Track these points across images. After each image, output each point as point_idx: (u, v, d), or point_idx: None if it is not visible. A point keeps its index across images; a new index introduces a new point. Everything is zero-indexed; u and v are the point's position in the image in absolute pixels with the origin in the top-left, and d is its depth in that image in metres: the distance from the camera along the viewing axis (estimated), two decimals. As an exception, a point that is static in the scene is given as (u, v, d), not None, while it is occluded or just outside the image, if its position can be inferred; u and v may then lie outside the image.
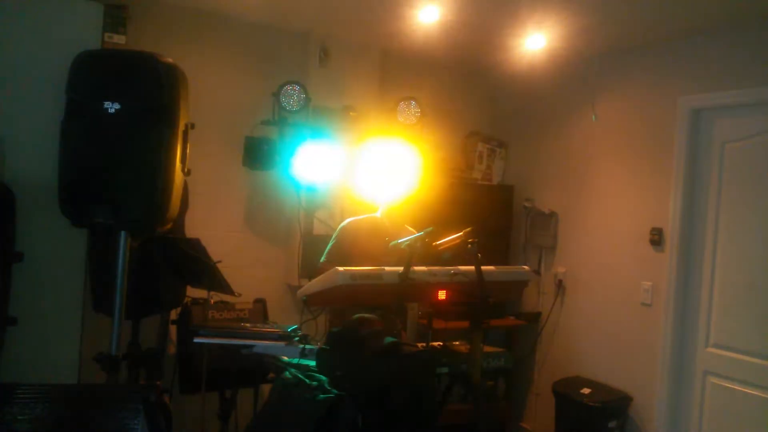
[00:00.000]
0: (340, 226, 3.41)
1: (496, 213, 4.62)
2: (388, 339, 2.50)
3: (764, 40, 3.26)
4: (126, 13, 3.24)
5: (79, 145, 2.51)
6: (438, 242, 2.75)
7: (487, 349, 4.04)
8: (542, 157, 4.61)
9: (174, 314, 3.40)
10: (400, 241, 2.72)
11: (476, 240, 2.57)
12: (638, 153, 3.90)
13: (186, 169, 2.76)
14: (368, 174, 3.52)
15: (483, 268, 2.55)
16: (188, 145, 2.73)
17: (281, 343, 2.65)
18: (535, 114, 4.72)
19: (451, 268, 2.61)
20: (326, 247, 3.33)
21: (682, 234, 3.62)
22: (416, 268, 2.52)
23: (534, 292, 4.54)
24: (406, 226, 3.38)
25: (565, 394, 3.91)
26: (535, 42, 3.76)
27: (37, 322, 2.78)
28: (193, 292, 3.35)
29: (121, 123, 2.48)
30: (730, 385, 3.40)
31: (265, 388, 3.32)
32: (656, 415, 3.69)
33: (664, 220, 3.70)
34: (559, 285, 4.39)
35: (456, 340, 3.35)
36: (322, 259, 3.29)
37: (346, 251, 3.21)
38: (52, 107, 2.61)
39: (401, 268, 2.45)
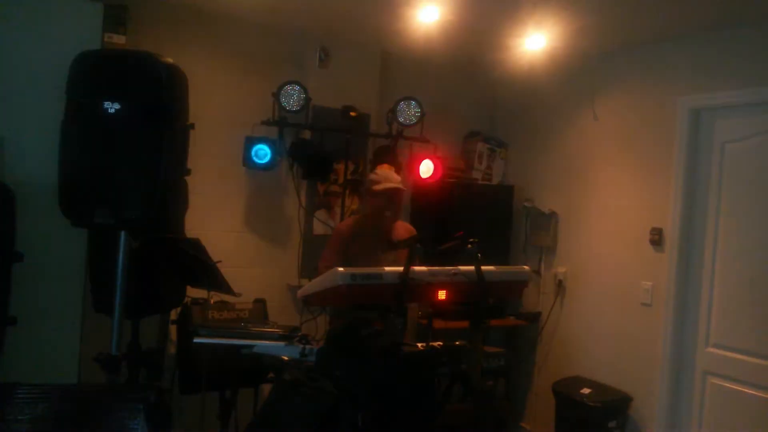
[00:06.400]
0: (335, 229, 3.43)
1: (496, 213, 4.62)
2: (388, 339, 2.50)
3: (764, 40, 3.26)
4: (126, 13, 3.25)
5: (79, 145, 2.52)
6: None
7: (487, 349, 4.04)
8: (542, 157, 4.61)
9: (174, 314, 3.40)
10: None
11: (476, 240, 2.57)
12: (638, 153, 3.89)
13: (186, 169, 2.76)
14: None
15: (483, 268, 2.54)
16: (188, 145, 2.73)
17: (281, 343, 2.65)
18: (535, 114, 4.72)
19: (451, 268, 2.61)
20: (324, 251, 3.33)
21: (682, 234, 3.61)
22: (416, 268, 2.52)
23: (534, 292, 4.54)
24: (402, 222, 3.39)
25: (565, 394, 3.90)
26: (535, 42, 3.76)
27: (37, 322, 2.79)
28: (193, 292, 3.34)
29: (121, 123, 2.48)
30: (730, 385, 3.40)
31: (265, 388, 3.33)
32: (656, 415, 3.69)
33: (664, 220, 3.69)
34: (559, 285, 4.39)
35: (456, 340, 3.35)
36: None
37: (342, 252, 3.21)
38: (52, 107, 2.61)
39: (401, 268, 2.45)
